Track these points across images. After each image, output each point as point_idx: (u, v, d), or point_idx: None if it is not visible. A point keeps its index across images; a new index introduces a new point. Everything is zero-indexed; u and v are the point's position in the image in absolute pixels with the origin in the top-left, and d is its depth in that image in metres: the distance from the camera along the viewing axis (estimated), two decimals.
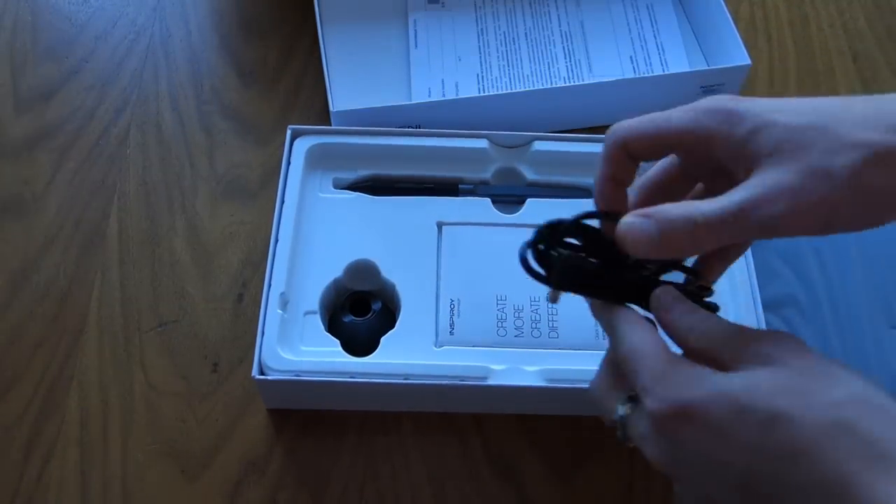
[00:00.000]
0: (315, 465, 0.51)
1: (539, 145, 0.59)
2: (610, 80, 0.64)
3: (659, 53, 0.68)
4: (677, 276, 0.39)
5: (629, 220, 0.34)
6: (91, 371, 0.54)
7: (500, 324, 0.52)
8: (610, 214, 0.37)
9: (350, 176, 0.58)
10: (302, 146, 0.57)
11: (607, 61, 0.68)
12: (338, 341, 0.51)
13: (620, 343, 0.35)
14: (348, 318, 0.53)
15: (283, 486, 0.51)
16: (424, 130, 0.59)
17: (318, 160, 0.58)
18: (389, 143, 0.58)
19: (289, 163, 0.57)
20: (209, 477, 0.51)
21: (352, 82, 0.66)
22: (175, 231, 0.60)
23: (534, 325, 0.52)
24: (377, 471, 0.51)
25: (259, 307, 0.56)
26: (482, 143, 0.58)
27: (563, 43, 0.69)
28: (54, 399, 0.53)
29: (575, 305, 0.52)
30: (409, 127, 0.61)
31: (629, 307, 0.37)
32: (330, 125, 0.60)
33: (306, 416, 0.53)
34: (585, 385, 0.49)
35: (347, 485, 0.51)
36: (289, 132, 0.58)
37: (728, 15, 0.65)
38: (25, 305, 0.56)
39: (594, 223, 0.38)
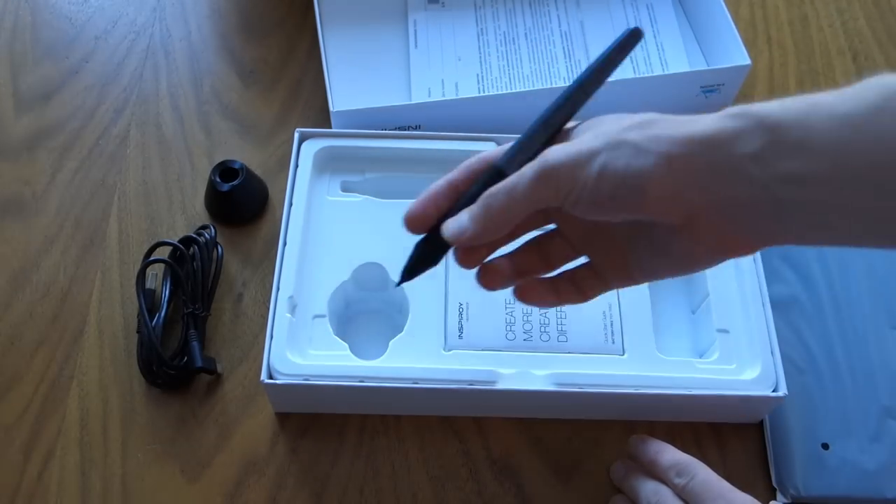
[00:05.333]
0: (315, 466, 0.51)
1: None
2: (610, 80, 0.63)
3: (659, 53, 0.68)
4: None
5: (450, 222, 0.37)
6: (91, 371, 0.54)
7: (508, 327, 0.52)
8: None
9: (358, 179, 0.58)
10: (310, 149, 0.57)
11: None
12: (346, 345, 0.51)
13: None
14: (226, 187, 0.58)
15: (283, 486, 0.51)
16: (432, 133, 0.59)
17: (327, 163, 0.58)
18: (398, 147, 0.58)
19: (297, 166, 0.56)
20: (209, 477, 0.51)
21: (352, 82, 0.66)
22: (175, 231, 0.60)
23: (542, 329, 0.52)
24: (377, 471, 0.51)
25: (258, 307, 0.57)
26: (490, 147, 0.58)
27: (563, 43, 0.69)
28: (54, 399, 0.53)
29: (584, 310, 0.52)
30: (409, 127, 0.61)
31: None
32: (330, 125, 0.60)
33: (306, 416, 0.53)
34: (595, 389, 0.50)
35: (347, 485, 0.51)
36: (296, 135, 0.57)
37: (728, 15, 0.65)
38: (25, 305, 0.56)
39: None
